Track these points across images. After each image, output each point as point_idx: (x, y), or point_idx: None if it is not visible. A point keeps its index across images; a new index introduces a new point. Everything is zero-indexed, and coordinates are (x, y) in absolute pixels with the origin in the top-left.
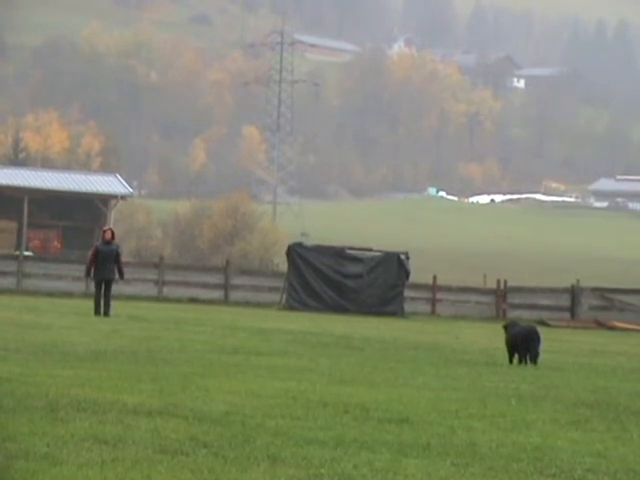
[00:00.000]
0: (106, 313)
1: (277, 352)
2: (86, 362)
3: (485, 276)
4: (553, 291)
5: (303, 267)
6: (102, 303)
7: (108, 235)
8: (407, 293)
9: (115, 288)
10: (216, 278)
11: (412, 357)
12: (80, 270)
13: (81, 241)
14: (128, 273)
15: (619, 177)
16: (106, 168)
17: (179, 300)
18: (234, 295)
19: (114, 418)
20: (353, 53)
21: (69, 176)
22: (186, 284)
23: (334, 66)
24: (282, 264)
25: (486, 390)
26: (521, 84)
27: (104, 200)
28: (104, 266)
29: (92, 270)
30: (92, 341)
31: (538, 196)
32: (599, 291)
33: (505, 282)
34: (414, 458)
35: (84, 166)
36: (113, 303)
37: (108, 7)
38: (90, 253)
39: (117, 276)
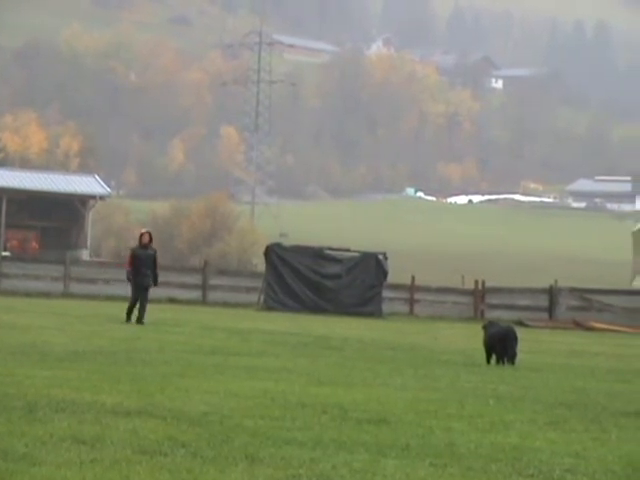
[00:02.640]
0: (140, 320)
1: (255, 352)
2: (65, 362)
3: (463, 277)
4: (531, 291)
5: (281, 267)
6: (136, 309)
7: (145, 238)
8: (385, 293)
9: (94, 289)
10: (194, 278)
11: (390, 357)
12: (58, 270)
13: (59, 241)
14: (106, 274)
15: (597, 178)
16: (84, 169)
17: (157, 300)
18: (212, 295)
19: (93, 418)
20: (332, 53)
21: (47, 176)
22: (164, 284)
23: (313, 66)
24: (260, 264)
25: (464, 390)
26: (499, 85)
27: (82, 200)
28: (140, 271)
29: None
30: (71, 342)
31: (516, 197)
32: (577, 291)
33: (483, 282)
34: (392, 458)
35: (62, 167)
36: (148, 309)
37: (87, 8)
38: (128, 258)
39: (154, 283)
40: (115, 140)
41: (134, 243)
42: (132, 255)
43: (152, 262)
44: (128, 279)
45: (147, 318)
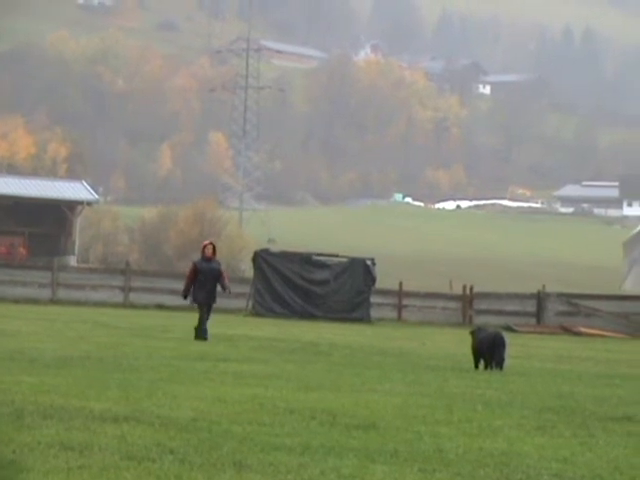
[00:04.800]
0: (202, 336)
1: (244, 358)
2: (52, 369)
3: (451, 282)
4: (519, 297)
5: (269, 273)
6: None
7: (209, 251)
8: (373, 299)
9: (82, 295)
10: (183, 284)
11: (379, 363)
12: (46, 277)
13: (47, 247)
14: (94, 280)
15: (585, 183)
16: (72, 174)
17: (145, 306)
18: None
19: (80, 425)
20: (320, 59)
21: (35, 182)
22: (153, 290)
23: (301, 72)
24: (249, 270)
25: (453, 396)
26: (487, 90)
27: (70, 206)
28: (204, 287)
29: (191, 291)
30: (59, 348)
31: (504, 202)
32: (565, 297)
33: (471, 288)
34: (381, 464)
35: (50, 172)
36: (210, 326)
37: (75, 14)
38: (188, 271)
39: (224, 292)
40: (103, 146)
41: (123, 249)
42: (194, 269)
43: (217, 277)
44: (185, 297)
45: (209, 333)
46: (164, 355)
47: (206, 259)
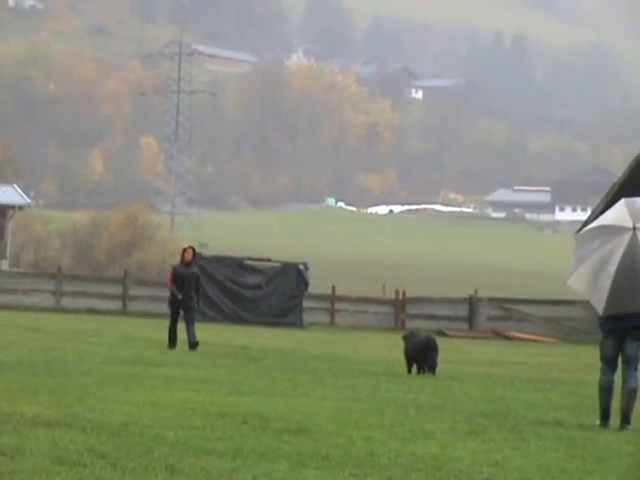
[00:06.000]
0: (192, 345)
1: (176, 363)
2: None
3: (384, 286)
4: (451, 301)
5: (201, 277)
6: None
7: (189, 256)
8: (306, 303)
9: (13, 299)
10: (114, 289)
11: (311, 367)
12: None
13: None
14: (25, 284)
15: (516, 188)
16: (3, 178)
17: (77, 311)
18: (132, 306)
19: (12, 429)
20: (252, 64)
21: None
22: (84, 295)
23: (233, 76)
24: None
25: (385, 400)
26: (419, 95)
27: (1, 210)
28: (182, 291)
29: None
30: None
31: (436, 207)
32: (497, 301)
33: (404, 292)
34: (313, 469)
35: None
36: (196, 331)
37: (5, 16)
38: (169, 277)
39: (195, 299)
40: (34, 150)
41: (54, 253)
42: (174, 274)
43: (195, 282)
44: (170, 302)
45: (197, 338)
46: (96, 359)
47: (185, 264)
